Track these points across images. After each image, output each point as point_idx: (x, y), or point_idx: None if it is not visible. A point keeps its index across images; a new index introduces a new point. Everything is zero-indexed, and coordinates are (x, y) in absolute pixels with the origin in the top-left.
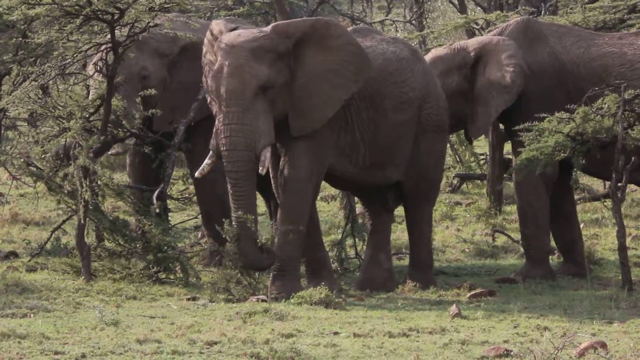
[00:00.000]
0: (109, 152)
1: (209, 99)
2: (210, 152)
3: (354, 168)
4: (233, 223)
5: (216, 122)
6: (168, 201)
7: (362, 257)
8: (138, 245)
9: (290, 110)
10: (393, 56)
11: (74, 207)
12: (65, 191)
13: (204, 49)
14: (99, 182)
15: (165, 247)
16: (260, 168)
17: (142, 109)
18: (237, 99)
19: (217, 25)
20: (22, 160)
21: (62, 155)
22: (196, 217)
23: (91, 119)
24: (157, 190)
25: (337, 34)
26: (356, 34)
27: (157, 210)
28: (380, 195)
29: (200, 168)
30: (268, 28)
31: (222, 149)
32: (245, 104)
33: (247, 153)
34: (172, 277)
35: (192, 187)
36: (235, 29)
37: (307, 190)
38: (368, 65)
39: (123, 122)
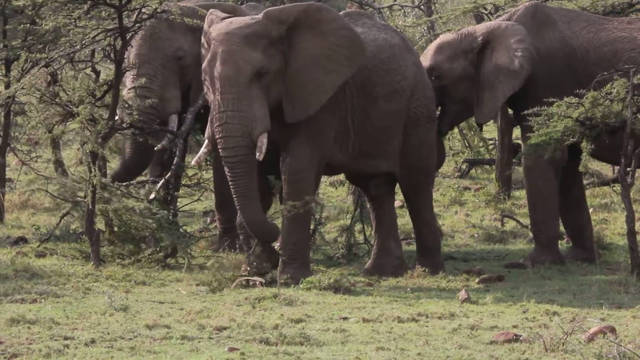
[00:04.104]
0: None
1: (205, 89)
2: (206, 140)
3: (343, 156)
4: (235, 200)
5: (211, 110)
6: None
7: (371, 243)
8: (148, 233)
9: (284, 96)
10: (385, 43)
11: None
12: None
13: (202, 39)
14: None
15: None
16: (258, 154)
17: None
18: (231, 86)
19: (211, 15)
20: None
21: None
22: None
23: (101, 105)
24: (162, 180)
25: (330, 18)
26: (347, 17)
27: (152, 196)
28: (363, 183)
29: (197, 157)
30: (260, 15)
31: (217, 136)
32: (240, 91)
33: (243, 139)
34: (180, 261)
35: (201, 174)
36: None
37: (310, 178)
38: (362, 50)
39: (134, 114)
